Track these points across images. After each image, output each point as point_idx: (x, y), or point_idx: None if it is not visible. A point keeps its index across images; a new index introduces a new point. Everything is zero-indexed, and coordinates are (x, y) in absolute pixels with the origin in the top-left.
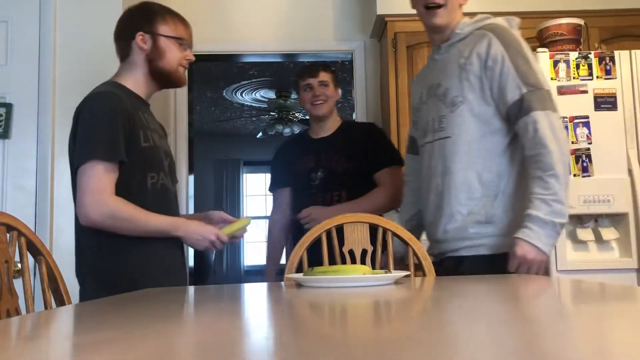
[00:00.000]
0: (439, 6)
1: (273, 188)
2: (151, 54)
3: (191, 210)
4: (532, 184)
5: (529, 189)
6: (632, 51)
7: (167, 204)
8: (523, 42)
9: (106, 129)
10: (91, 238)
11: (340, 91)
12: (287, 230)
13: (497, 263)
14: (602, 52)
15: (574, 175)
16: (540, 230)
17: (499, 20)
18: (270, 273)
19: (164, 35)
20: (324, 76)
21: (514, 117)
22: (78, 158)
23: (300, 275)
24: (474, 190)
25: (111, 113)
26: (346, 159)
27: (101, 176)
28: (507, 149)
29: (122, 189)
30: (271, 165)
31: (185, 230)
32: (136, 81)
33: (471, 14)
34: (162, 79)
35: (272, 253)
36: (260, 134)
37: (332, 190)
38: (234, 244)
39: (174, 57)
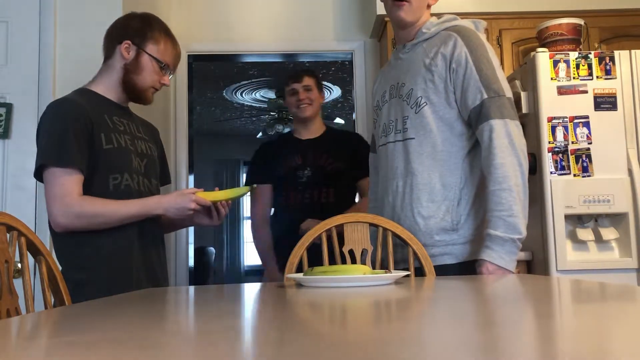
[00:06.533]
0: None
1: (253, 183)
2: (130, 65)
3: None
4: (488, 199)
5: (486, 203)
6: (632, 51)
7: None
8: (489, 46)
9: (59, 135)
10: (57, 243)
11: (324, 95)
12: (269, 225)
13: (464, 271)
14: (602, 52)
15: (574, 175)
16: (500, 249)
17: (466, 22)
18: (272, 271)
19: (148, 54)
20: (308, 81)
21: (474, 122)
22: (36, 165)
23: (300, 275)
24: (436, 193)
25: (62, 120)
26: (333, 159)
27: (62, 181)
28: (469, 153)
29: (84, 191)
30: (252, 161)
31: (163, 208)
32: (109, 86)
33: (471, 14)
34: (130, 92)
35: (266, 250)
36: (260, 134)
37: (320, 186)
38: (227, 206)
39: (149, 77)
